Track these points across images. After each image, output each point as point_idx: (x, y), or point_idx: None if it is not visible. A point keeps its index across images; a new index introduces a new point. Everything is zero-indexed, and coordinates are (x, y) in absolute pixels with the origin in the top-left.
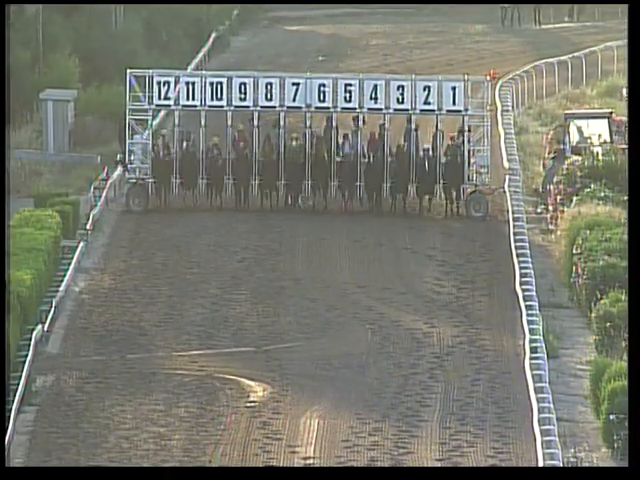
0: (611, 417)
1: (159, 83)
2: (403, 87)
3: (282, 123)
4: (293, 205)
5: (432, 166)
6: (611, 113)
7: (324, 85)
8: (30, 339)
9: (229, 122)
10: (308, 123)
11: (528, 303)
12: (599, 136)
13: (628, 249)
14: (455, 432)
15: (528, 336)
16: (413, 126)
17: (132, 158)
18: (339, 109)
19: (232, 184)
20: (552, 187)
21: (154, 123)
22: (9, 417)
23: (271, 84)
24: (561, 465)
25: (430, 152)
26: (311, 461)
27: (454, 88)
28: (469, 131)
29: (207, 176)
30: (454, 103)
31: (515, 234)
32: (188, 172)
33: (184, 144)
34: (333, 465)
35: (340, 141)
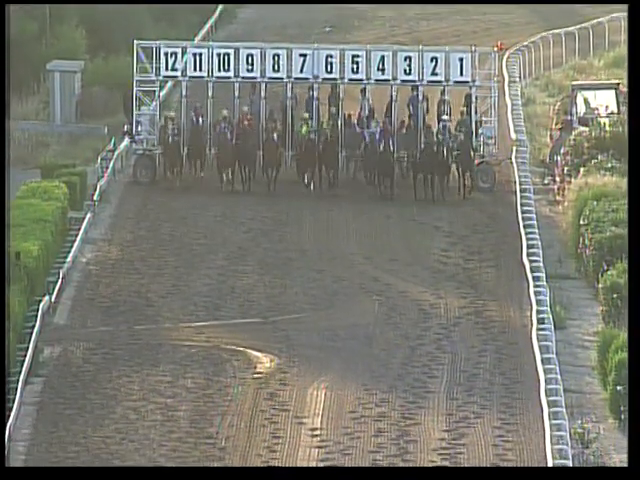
0: (618, 388)
1: (166, 54)
2: (410, 58)
3: (289, 94)
4: (303, 183)
5: (445, 140)
6: (618, 84)
7: (331, 56)
8: (37, 310)
9: (236, 93)
10: (315, 94)
11: (535, 274)
12: (606, 107)
13: (628, 220)
14: (462, 403)
15: (535, 307)
16: (420, 97)
17: (139, 129)
18: (346, 80)
19: (238, 157)
20: (559, 158)
21: (161, 94)
22: (16, 388)
23: (278, 55)
24: (568, 437)
25: (447, 125)
26: (318, 432)
27: (461, 59)
28: (476, 102)
29: (214, 148)
30: (461, 74)
31: (522, 205)
32: (195, 144)
33: (191, 115)
34: (340, 436)
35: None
